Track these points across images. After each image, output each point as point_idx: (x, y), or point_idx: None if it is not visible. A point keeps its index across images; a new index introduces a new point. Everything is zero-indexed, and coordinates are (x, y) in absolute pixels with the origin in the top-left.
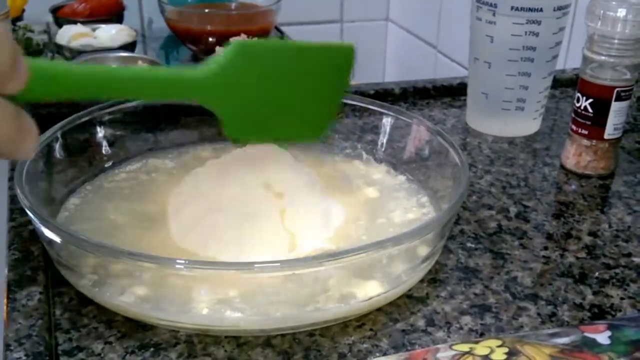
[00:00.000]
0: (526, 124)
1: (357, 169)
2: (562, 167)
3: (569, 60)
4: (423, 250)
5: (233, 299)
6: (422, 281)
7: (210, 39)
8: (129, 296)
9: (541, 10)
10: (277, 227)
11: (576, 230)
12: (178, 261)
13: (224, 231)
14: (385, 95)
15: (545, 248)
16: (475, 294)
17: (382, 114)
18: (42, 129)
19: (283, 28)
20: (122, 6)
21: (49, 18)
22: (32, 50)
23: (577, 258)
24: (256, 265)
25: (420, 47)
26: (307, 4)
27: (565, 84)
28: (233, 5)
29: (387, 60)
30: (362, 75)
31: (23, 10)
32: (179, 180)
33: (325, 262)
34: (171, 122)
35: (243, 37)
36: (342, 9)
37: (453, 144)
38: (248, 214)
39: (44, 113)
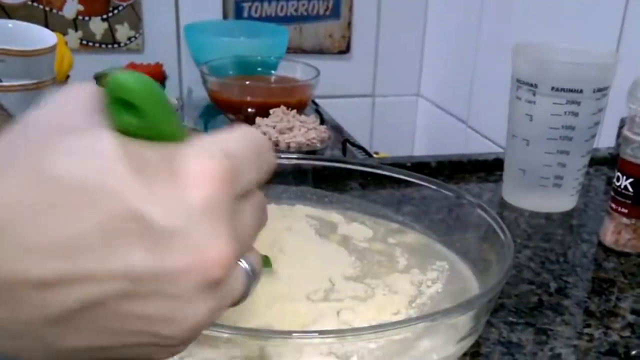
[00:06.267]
0: (563, 201)
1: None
2: (601, 244)
3: (602, 139)
4: (467, 325)
5: None
6: (465, 354)
7: (250, 110)
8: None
9: (581, 91)
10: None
11: (618, 308)
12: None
13: None
14: (421, 167)
15: (588, 325)
16: None
17: (421, 185)
18: None
19: (318, 101)
20: (165, 75)
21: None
22: None
23: (621, 337)
24: (294, 334)
25: (450, 122)
26: (341, 78)
27: (599, 162)
28: (273, 78)
29: (416, 135)
30: (393, 148)
31: (68, 77)
32: None
33: (372, 334)
34: None
35: (283, 108)
36: (375, 83)
37: (496, 218)
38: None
39: None
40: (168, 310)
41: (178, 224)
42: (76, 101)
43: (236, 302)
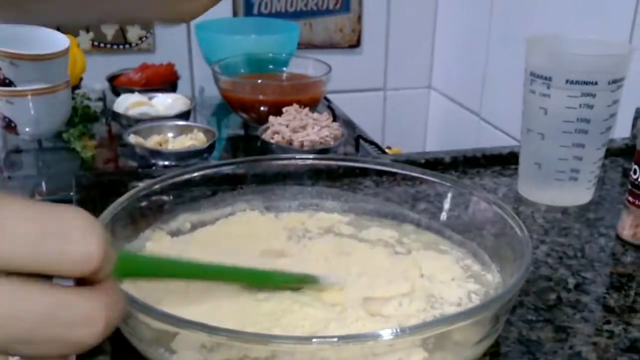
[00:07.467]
0: (579, 194)
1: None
2: (619, 238)
3: (617, 129)
4: (486, 325)
5: None
6: (484, 355)
7: (262, 108)
8: None
9: (596, 83)
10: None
11: (638, 303)
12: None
13: None
14: (436, 164)
15: (608, 322)
16: None
17: (435, 182)
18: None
19: (329, 96)
20: (177, 75)
21: (105, 86)
22: (90, 117)
23: None
24: (314, 340)
25: (462, 114)
26: (352, 73)
27: (615, 153)
28: (284, 75)
29: (428, 127)
30: (404, 142)
31: (81, 79)
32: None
33: (395, 338)
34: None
35: (295, 106)
36: (386, 77)
37: (514, 216)
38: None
39: (106, 182)
40: None
41: None
42: None
43: None
